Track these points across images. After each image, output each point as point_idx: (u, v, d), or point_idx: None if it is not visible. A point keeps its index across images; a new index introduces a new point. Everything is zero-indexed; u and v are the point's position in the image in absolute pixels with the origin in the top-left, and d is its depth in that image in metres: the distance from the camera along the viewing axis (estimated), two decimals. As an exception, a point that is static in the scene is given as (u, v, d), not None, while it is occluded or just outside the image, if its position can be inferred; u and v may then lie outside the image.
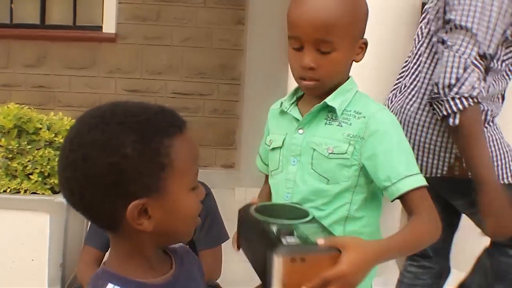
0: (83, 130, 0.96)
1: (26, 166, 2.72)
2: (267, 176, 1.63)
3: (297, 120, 1.48)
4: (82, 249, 2.33)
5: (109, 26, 5.37)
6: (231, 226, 2.30)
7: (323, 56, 1.38)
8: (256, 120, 5.00)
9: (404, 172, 1.34)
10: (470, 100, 1.75)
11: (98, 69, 5.41)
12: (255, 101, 4.99)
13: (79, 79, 5.41)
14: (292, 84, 2.85)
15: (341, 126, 1.41)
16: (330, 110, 1.43)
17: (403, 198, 1.35)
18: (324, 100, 1.42)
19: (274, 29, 4.69)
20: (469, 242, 2.80)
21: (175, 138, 0.96)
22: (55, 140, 2.83)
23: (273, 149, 1.53)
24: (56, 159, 2.71)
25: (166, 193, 0.95)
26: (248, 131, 5.05)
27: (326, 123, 1.43)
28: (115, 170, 0.91)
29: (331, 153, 1.40)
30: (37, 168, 2.71)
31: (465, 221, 2.82)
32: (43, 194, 2.70)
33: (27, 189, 2.70)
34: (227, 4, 5.33)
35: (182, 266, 1.10)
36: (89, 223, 2.22)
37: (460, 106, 1.75)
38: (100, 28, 5.41)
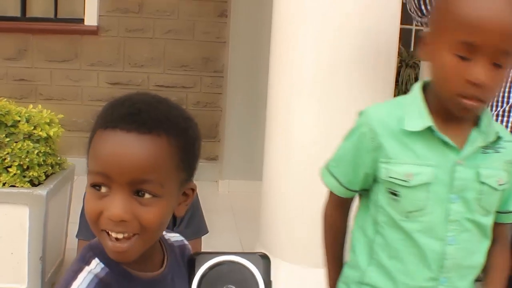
0: None
1: (5, 159, 2.69)
2: (341, 201, 1.41)
3: (449, 146, 1.23)
4: (78, 245, 2.28)
5: (90, 19, 5.32)
6: (214, 219, 2.30)
7: (495, 72, 1.14)
8: (239, 113, 5.02)
9: None
10: None
11: (80, 61, 5.36)
12: (238, 93, 4.99)
13: (60, 72, 5.35)
14: (276, 76, 2.87)
15: (499, 152, 1.27)
16: (482, 134, 1.26)
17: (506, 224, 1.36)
18: (497, 131, 1.26)
19: (257, 22, 4.68)
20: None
21: (102, 131, 0.94)
22: (34, 133, 2.80)
23: (415, 186, 1.25)
24: (35, 152, 2.71)
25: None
26: (232, 123, 5.05)
27: (482, 151, 1.26)
28: None
29: (501, 184, 1.27)
30: (15, 161, 2.68)
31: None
32: (22, 187, 2.68)
33: (5, 182, 2.67)
34: (209, -4, 5.31)
35: (174, 266, 1.07)
36: (79, 216, 2.19)
37: None
38: (81, 20, 5.36)
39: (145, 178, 0.91)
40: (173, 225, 2.13)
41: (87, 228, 2.15)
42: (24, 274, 2.68)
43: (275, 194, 2.92)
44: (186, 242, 1.17)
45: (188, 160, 1.00)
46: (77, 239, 2.26)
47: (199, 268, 1.06)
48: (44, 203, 2.65)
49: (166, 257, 1.06)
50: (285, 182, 2.84)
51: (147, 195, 0.92)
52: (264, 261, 1.09)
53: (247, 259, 1.07)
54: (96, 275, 0.94)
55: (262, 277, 1.06)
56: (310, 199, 2.75)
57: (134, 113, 0.93)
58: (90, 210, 0.93)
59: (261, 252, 1.11)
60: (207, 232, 2.30)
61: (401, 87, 6.24)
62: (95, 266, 0.96)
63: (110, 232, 0.93)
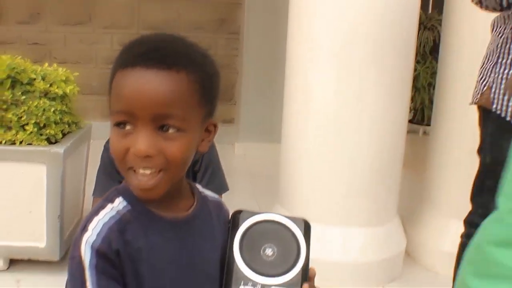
0: None
1: (21, 117, 2.66)
2: None
3: None
4: (93, 202, 2.26)
5: (104, -19, 5.25)
6: (231, 181, 2.29)
7: None
8: (255, 74, 4.95)
9: None
10: None
11: (94, 24, 5.30)
12: (254, 55, 4.92)
13: (74, 35, 5.30)
14: (294, 38, 2.79)
15: None
16: None
17: None
18: None
19: (273, -19, 4.59)
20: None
21: (122, 71, 0.94)
22: (50, 91, 2.77)
23: None
24: (52, 110, 2.68)
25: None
26: (248, 85, 4.99)
27: None
28: None
29: None
30: (32, 119, 2.65)
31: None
32: (39, 145, 2.65)
33: (22, 140, 2.64)
34: (224, -45, 5.21)
35: (204, 215, 1.06)
36: (96, 174, 2.16)
37: None
38: (94, -18, 5.30)
39: (168, 113, 0.92)
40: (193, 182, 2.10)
41: (103, 186, 2.14)
42: (43, 232, 2.67)
43: (294, 155, 2.88)
44: (223, 202, 1.17)
45: (208, 95, 0.99)
46: (92, 197, 2.24)
47: (243, 222, 1.06)
48: (62, 161, 2.62)
49: (195, 205, 1.06)
50: (304, 143, 2.80)
51: (171, 130, 0.93)
52: (306, 226, 1.09)
53: (291, 221, 1.08)
54: (118, 212, 0.97)
55: (304, 241, 1.07)
56: (329, 159, 2.72)
57: (152, 50, 0.94)
58: (116, 148, 0.94)
59: (303, 218, 1.11)
60: (227, 189, 2.28)
61: (419, 50, 6.12)
62: (118, 204, 0.98)
63: (136, 169, 0.93)
